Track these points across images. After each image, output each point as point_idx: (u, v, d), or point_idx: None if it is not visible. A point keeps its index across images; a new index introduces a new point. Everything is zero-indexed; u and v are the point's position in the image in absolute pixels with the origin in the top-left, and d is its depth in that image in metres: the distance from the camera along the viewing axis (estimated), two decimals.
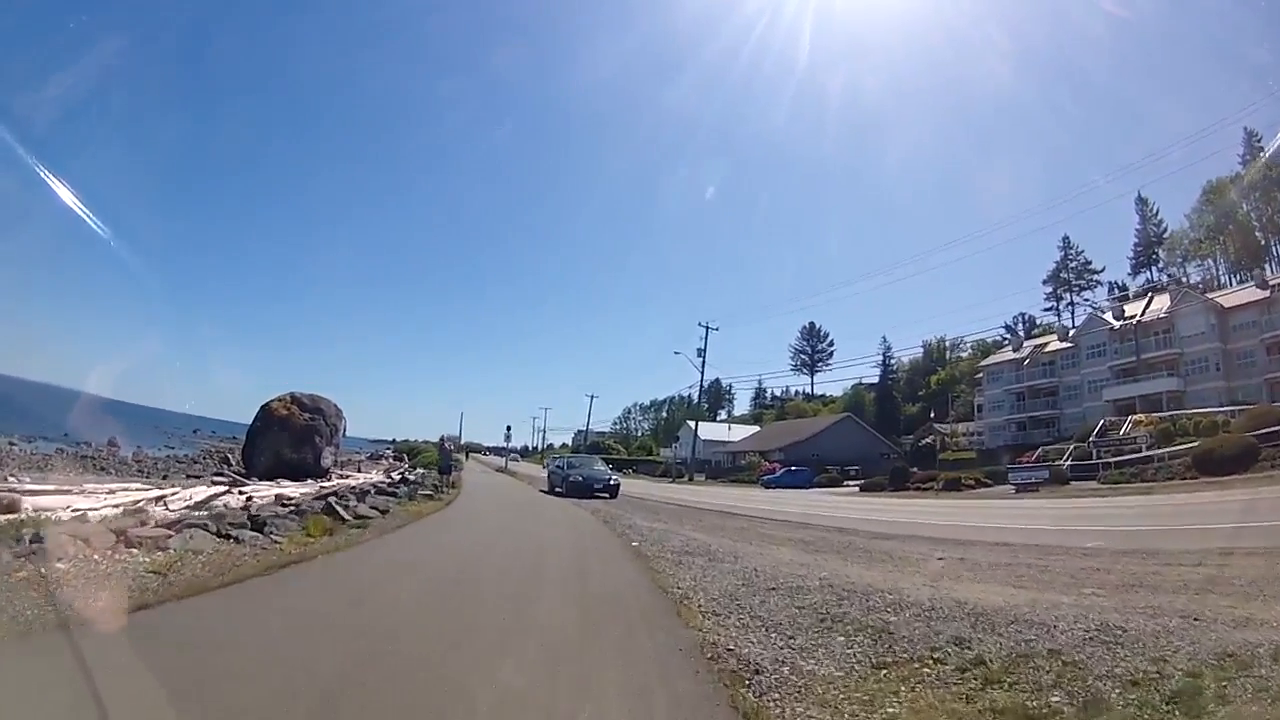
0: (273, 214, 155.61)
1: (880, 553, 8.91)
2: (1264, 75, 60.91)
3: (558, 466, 27.05)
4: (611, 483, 22.87)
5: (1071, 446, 34.66)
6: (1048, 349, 58.66)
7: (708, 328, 49.33)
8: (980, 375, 65.78)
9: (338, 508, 10.45)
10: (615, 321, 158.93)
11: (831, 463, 46.56)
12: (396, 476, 29.86)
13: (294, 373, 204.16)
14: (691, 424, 64.87)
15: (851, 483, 42.30)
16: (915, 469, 35.07)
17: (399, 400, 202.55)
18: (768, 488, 39.46)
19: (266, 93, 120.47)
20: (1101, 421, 37.67)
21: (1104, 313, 56.08)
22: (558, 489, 23.85)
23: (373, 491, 16.54)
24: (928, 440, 58.37)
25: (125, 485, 13.95)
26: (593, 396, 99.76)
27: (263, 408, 29.77)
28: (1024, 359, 60.06)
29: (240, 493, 14.64)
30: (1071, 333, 58.55)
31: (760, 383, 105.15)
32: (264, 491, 14.22)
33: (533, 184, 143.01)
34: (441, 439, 23.75)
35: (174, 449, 39.49)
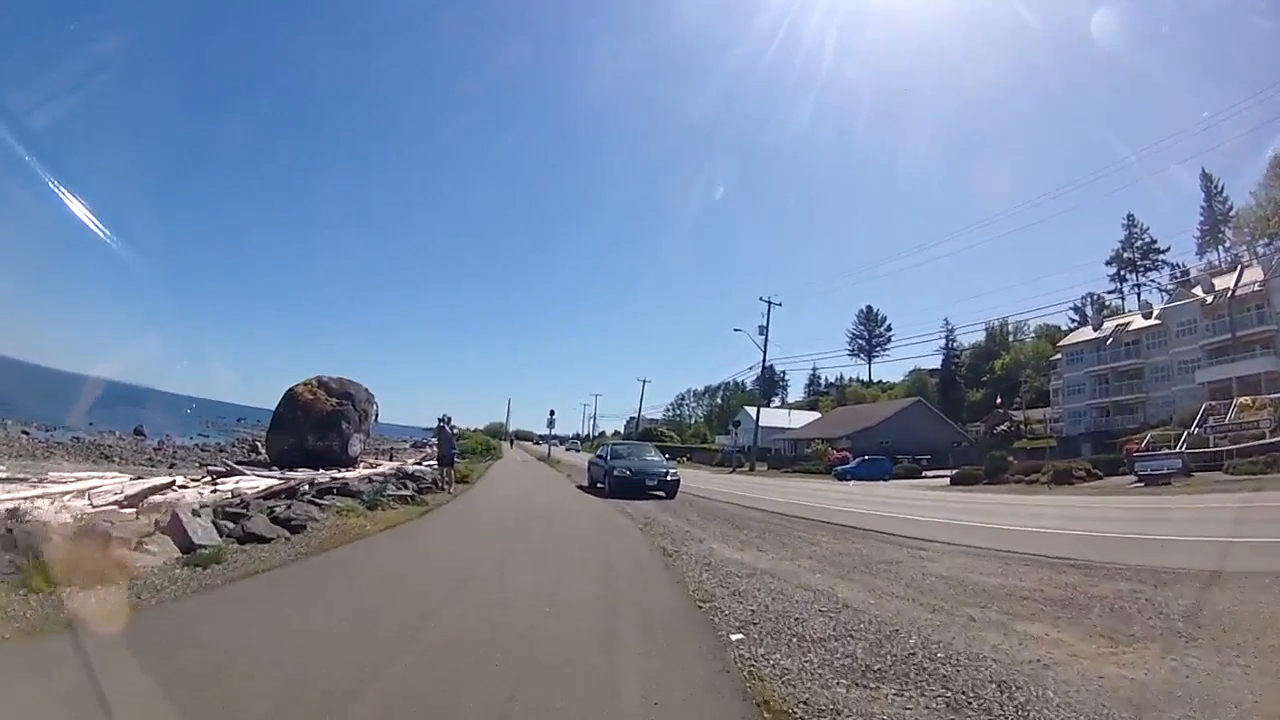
0: (337, 212, 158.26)
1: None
2: None
3: (600, 458, 20.29)
4: (669, 478, 17.21)
5: (1181, 433, 29.67)
6: (1131, 327, 52.63)
7: (770, 302, 44.15)
8: (1057, 357, 59.97)
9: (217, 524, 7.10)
10: (668, 306, 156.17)
11: (900, 450, 42.00)
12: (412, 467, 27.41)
13: (350, 362, 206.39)
14: (750, 410, 60.46)
15: (932, 473, 37.67)
16: (1012, 459, 30.27)
17: (454, 390, 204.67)
18: (841, 479, 34.48)
19: (343, 82, 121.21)
20: (1205, 405, 32.51)
21: (1193, 286, 49.73)
22: (599, 485, 18.88)
23: (371, 480, 15.22)
24: (1002, 427, 53.13)
25: (102, 474, 12.16)
26: (645, 381, 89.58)
27: (287, 392, 27.19)
28: (1106, 338, 54.11)
29: (210, 484, 12.11)
30: (1158, 310, 52.25)
31: (814, 369, 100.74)
32: (229, 486, 11.65)
33: (582, 170, 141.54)
34: (440, 421, 18.28)
35: (208, 437, 37.81)
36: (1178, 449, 26.66)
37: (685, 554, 7.52)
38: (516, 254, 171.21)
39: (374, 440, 63.52)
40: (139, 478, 12.71)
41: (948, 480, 29.01)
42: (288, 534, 7.48)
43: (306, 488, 12.00)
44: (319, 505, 9.70)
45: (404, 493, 12.92)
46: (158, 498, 8.98)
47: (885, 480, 34.12)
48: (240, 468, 17.14)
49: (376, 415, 29.66)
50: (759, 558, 7.47)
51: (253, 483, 13.00)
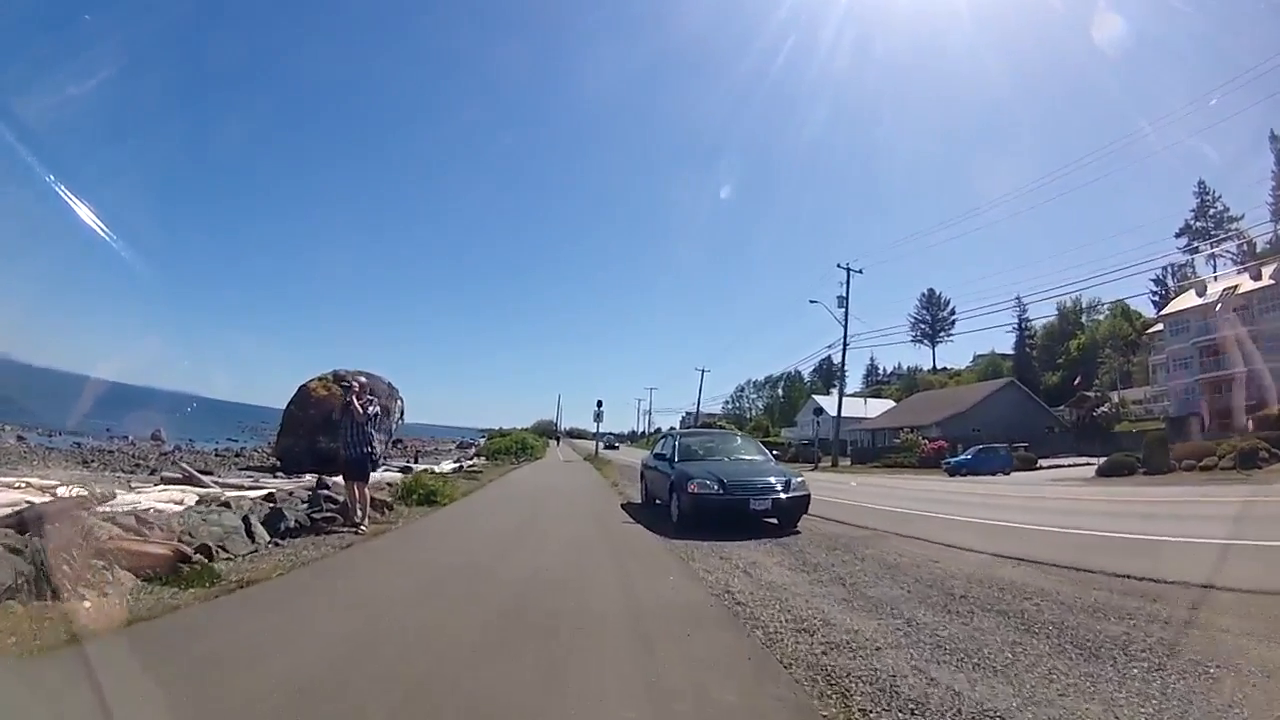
0: (383, 210, 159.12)
1: None
2: None
3: (659, 459, 11.45)
4: (791, 493, 8.83)
5: None
6: (1239, 291, 45.18)
7: (849, 269, 37.84)
8: (1157, 328, 52.64)
9: None
10: (725, 294, 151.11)
11: (994, 437, 36.29)
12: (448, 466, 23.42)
13: (399, 365, 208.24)
14: (820, 399, 54.61)
15: (1047, 463, 31.78)
16: (1173, 447, 24.07)
17: (506, 389, 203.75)
18: (953, 474, 28.02)
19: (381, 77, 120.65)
20: None
21: None
22: (659, 500, 11.05)
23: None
24: (1102, 409, 46.36)
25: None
26: (704, 370, 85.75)
27: (300, 389, 23.58)
28: (1214, 303, 46.72)
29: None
30: (1272, 270, 44.62)
31: (872, 358, 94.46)
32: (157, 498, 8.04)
33: (632, 158, 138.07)
34: (342, 385, 9.84)
35: (235, 441, 34.91)
36: None
37: None
38: (562, 248, 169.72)
39: (416, 441, 60.90)
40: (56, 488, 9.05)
41: (1085, 471, 23.35)
42: None
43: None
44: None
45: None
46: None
47: (1006, 474, 27.89)
48: (203, 476, 13.32)
49: (402, 413, 25.80)
50: None
51: (169, 499, 9.17)
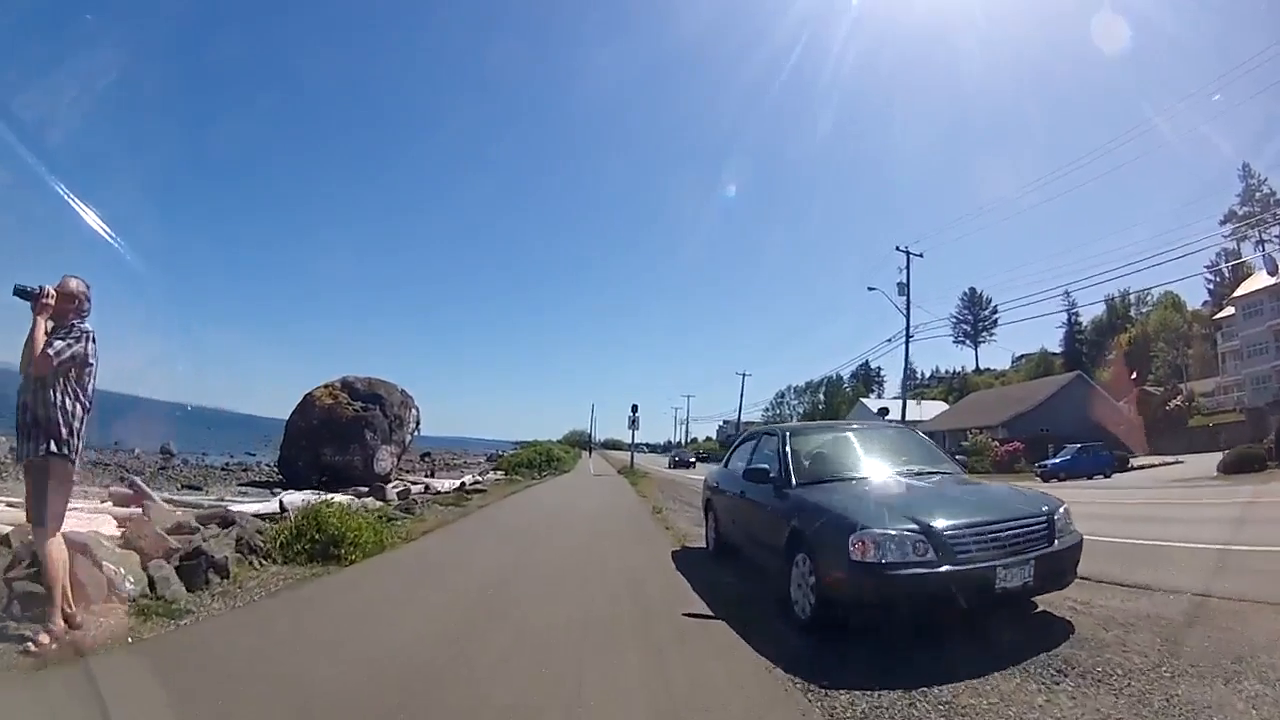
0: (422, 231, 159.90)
1: None
2: None
3: (753, 475, 5.60)
4: (1060, 543, 4.06)
5: None
6: None
7: (909, 253, 33.42)
8: (1227, 314, 48.33)
9: None
10: (763, 300, 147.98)
11: (1063, 436, 32.83)
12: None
13: (435, 377, 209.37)
14: (867, 403, 50.69)
15: (1148, 462, 28.11)
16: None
17: (547, 403, 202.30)
18: (1047, 479, 24.22)
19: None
20: None
21: None
22: (745, 552, 6.17)
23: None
24: (1175, 403, 42.17)
25: None
26: (745, 374, 77.30)
27: (305, 397, 21.58)
28: None
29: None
30: None
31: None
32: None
33: (669, 162, 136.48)
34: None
35: (254, 455, 33.41)
36: None
37: None
38: (599, 259, 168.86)
39: (447, 454, 59.07)
40: None
41: (1190, 469, 20.06)
42: None
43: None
44: None
45: None
46: None
47: (1106, 476, 24.18)
48: (150, 490, 11.11)
49: (418, 422, 23.55)
50: None
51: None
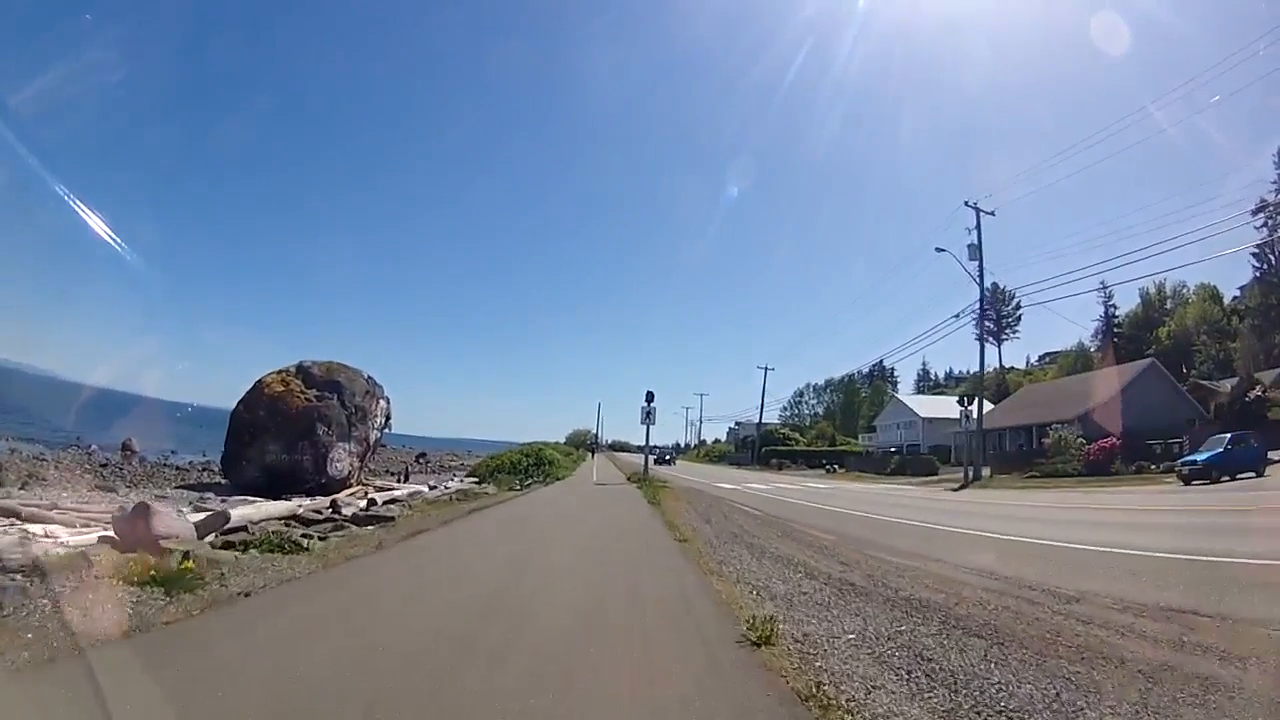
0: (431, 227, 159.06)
1: None
2: None
3: None
4: None
5: None
6: None
7: (978, 209, 29.60)
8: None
9: None
10: (771, 298, 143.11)
11: (1137, 431, 28.34)
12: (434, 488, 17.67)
13: (440, 378, 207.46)
14: (904, 398, 45.26)
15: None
16: None
17: (555, 403, 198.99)
18: (1189, 482, 20.60)
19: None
20: None
21: None
22: None
23: None
24: (1254, 394, 37.00)
25: None
26: (767, 368, 69.86)
27: (255, 384, 18.39)
28: None
29: None
30: None
31: (924, 363, 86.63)
32: None
33: (679, 158, 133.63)
34: None
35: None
36: None
37: None
38: (603, 258, 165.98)
39: (448, 455, 54.87)
40: None
41: None
42: None
43: None
44: None
45: None
46: None
47: (1259, 475, 20.13)
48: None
49: (388, 416, 20.27)
50: None
51: None
